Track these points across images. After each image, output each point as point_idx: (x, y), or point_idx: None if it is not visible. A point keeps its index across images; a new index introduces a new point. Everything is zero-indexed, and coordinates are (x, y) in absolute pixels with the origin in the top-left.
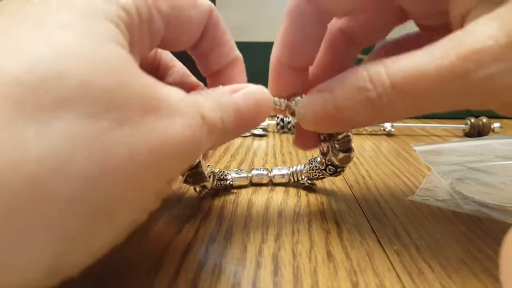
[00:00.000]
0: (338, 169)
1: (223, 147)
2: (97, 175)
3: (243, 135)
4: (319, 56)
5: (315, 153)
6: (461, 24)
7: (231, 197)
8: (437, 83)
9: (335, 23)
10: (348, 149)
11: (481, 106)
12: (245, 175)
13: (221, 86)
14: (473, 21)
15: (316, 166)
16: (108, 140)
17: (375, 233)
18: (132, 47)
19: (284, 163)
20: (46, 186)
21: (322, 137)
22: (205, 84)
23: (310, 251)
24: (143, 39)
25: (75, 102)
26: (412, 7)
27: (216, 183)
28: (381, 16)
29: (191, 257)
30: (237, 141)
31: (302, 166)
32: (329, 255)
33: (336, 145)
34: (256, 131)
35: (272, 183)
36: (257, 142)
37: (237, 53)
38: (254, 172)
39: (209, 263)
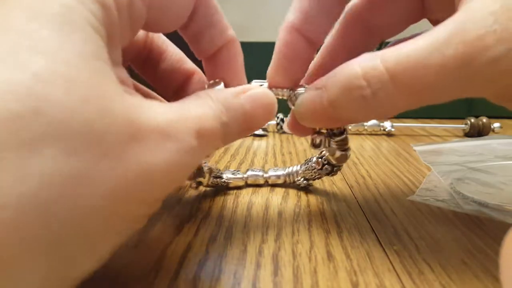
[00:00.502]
0: (335, 168)
1: (223, 147)
2: (80, 211)
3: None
4: (330, 41)
5: (315, 152)
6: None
7: (231, 197)
8: (441, 73)
9: (352, 8)
10: (345, 148)
11: (482, 93)
12: (240, 176)
13: (222, 86)
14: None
15: (312, 166)
16: (91, 174)
17: (375, 233)
18: (112, 42)
19: (284, 163)
20: (26, 232)
21: (316, 129)
22: (201, 68)
23: (310, 251)
24: (124, 27)
25: (55, 138)
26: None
27: (212, 180)
28: (400, 6)
29: (191, 257)
30: (237, 141)
31: (298, 166)
32: (329, 255)
33: (333, 144)
34: (256, 131)
35: (267, 184)
36: (257, 142)
37: (232, 33)
38: (249, 173)
39: (209, 263)
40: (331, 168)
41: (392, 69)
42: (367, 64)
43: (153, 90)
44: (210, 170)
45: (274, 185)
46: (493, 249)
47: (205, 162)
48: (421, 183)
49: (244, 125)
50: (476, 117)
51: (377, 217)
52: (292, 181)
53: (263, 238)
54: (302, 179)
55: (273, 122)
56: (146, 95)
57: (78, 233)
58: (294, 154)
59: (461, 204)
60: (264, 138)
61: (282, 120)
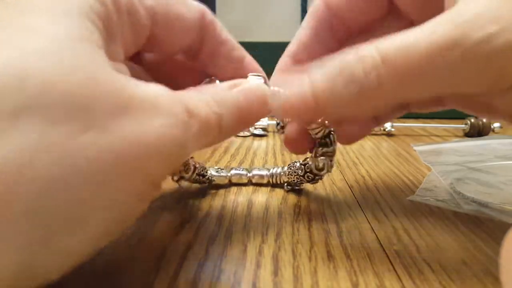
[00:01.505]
0: (316, 177)
1: (223, 146)
2: (60, 179)
3: (243, 134)
4: (302, 35)
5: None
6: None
7: (231, 197)
8: (431, 53)
9: (322, 6)
10: (330, 159)
11: (474, 81)
12: (224, 174)
13: (218, 82)
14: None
15: (295, 172)
16: (72, 145)
17: (375, 233)
18: (112, 39)
19: (284, 163)
20: (7, 190)
21: (318, 145)
22: None
23: (310, 251)
24: (125, 30)
25: (37, 109)
26: (406, 4)
27: (195, 176)
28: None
29: (191, 257)
30: (237, 141)
31: (282, 168)
32: (329, 255)
33: (319, 152)
34: (256, 131)
35: (251, 183)
36: (257, 142)
37: (244, 53)
38: (233, 171)
39: (209, 263)
40: (313, 176)
41: (385, 50)
42: (362, 48)
43: None
44: (195, 166)
45: (257, 185)
46: (493, 249)
47: (192, 157)
48: (421, 183)
49: (239, 118)
50: (476, 117)
51: (377, 217)
52: (275, 182)
53: (263, 238)
54: (286, 184)
55: (273, 122)
56: None
57: (61, 197)
58: (287, 154)
59: (461, 204)
60: (264, 138)
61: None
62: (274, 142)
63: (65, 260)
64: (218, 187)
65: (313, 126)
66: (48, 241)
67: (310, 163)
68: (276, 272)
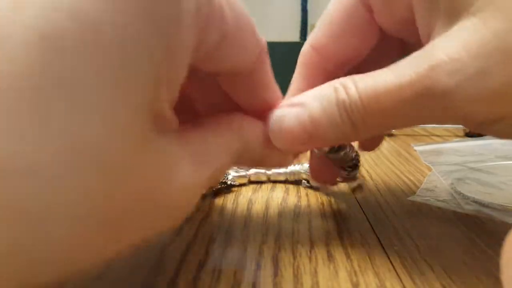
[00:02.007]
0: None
1: None
2: None
3: None
4: (296, 86)
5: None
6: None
7: (231, 197)
8: (400, 101)
9: (310, 50)
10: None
11: (446, 121)
12: (244, 173)
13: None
14: (433, 40)
15: None
16: (84, 244)
17: (375, 233)
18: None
19: None
20: None
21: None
22: None
23: (310, 251)
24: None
25: (58, 207)
26: (389, 27)
27: (218, 186)
28: (358, 38)
29: (191, 257)
30: None
31: (302, 165)
32: (329, 255)
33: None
34: None
35: (270, 181)
36: None
37: (277, 95)
38: (252, 170)
39: (209, 263)
40: (335, 183)
41: (361, 92)
42: (343, 81)
43: None
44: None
45: (276, 182)
46: (493, 249)
47: None
48: (421, 183)
49: (252, 165)
50: None
51: (378, 217)
52: (293, 179)
53: (263, 238)
54: (305, 181)
55: None
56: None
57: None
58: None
59: (462, 204)
60: None
61: None
62: None
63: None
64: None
65: (338, 155)
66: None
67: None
68: (276, 272)
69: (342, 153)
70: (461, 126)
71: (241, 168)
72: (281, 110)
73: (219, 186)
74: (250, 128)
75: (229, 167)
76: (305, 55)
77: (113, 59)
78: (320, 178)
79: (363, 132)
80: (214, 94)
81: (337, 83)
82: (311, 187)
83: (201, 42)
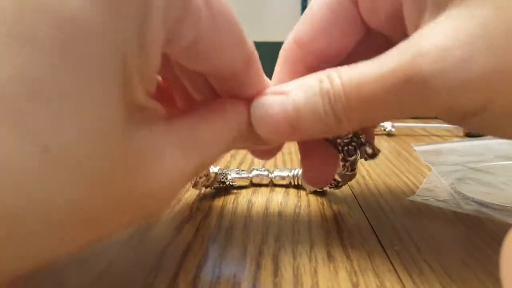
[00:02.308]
0: (340, 184)
1: None
2: None
3: None
4: (277, 80)
5: None
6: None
7: (231, 197)
8: (382, 90)
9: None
10: (353, 168)
11: (429, 112)
12: (245, 175)
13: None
14: (419, 30)
15: None
16: (59, 242)
17: (375, 233)
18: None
19: (284, 163)
20: None
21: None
22: None
23: (310, 252)
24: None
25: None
26: (374, 22)
27: (216, 184)
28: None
29: (191, 257)
30: None
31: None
32: (329, 255)
33: (341, 163)
34: None
35: (272, 184)
36: None
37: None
38: (254, 172)
39: (209, 263)
40: (336, 183)
41: (346, 83)
42: (329, 72)
43: None
44: (216, 174)
45: (278, 185)
46: (493, 249)
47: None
48: (421, 183)
49: (242, 147)
50: None
51: (377, 217)
52: (296, 183)
53: (263, 238)
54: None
55: None
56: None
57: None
58: (294, 153)
59: (462, 204)
60: None
61: None
62: None
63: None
64: (236, 188)
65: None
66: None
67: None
68: (276, 272)
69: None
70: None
71: (242, 170)
72: (264, 98)
73: (218, 185)
74: (244, 115)
75: (222, 154)
76: (288, 50)
77: (83, 57)
78: (313, 178)
79: (346, 124)
80: (207, 86)
81: (322, 74)
82: (315, 192)
83: (172, 38)
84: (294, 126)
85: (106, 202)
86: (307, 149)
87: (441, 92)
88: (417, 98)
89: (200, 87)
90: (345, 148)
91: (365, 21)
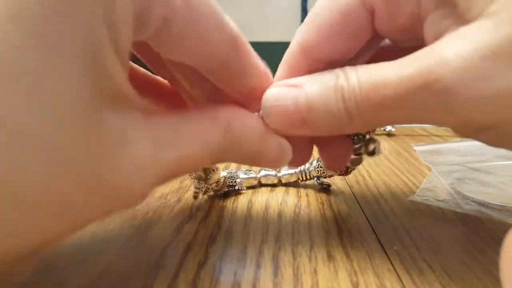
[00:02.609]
0: (349, 169)
1: None
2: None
3: None
4: (278, 76)
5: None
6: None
7: (231, 197)
8: (399, 93)
9: (300, 49)
10: (359, 152)
11: (443, 123)
12: (253, 175)
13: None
14: (441, 38)
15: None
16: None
17: (375, 233)
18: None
19: None
20: None
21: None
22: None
23: (310, 251)
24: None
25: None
26: (387, 30)
27: (225, 189)
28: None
29: (191, 257)
30: None
31: (310, 164)
32: (329, 255)
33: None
34: None
35: (281, 184)
36: None
37: (267, 78)
38: (262, 172)
39: (209, 263)
40: (345, 169)
41: (362, 82)
42: (347, 71)
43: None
44: (225, 178)
45: (287, 185)
46: (493, 249)
47: (217, 168)
48: (421, 183)
49: (245, 162)
50: None
51: (377, 217)
52: (305, 178)
53: (263, 238)
54: (316, 178)
55: None
56: (145, 82)
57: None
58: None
59: (462, 204)
60: None
61: None
62: None
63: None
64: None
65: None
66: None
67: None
68: (276, 272)
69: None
70: None
71: (250, 170)
72: (277, 89)
73: (226, 189)
74: (242, 123)
75: (207, 160)
76: (292, 54)
77: (45, 35)
78: (332, 162)
79: (358, 123)
80: (204, 84)
81: (339, 70)
82: (322, 188)
83: (143, 18)
84: (304, 119)
85: (74, 184)
86: (322, 141)
87: (458, 103)
88: (435, 106)
89: (198, 85)
90: (354, 137)
91: (377, 28)
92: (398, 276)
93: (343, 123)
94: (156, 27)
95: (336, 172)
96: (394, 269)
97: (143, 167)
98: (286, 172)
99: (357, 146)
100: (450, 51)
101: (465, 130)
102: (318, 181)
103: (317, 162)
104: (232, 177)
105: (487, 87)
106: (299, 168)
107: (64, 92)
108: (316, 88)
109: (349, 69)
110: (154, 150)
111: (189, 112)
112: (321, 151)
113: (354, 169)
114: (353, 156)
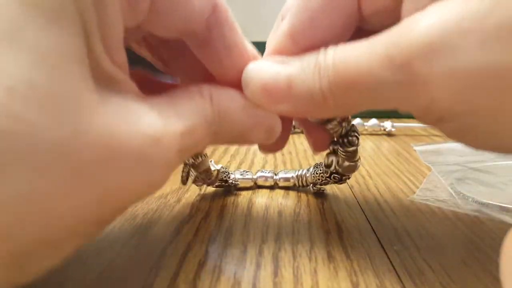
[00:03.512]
0: (344, 177)
1: (223, 146)
2: (45, 229)
3: None
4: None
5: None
6: None
7: (231, 197)
8: (367, 71)
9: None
10: (354, 160)
11: (409, 106)
12: (249, 176)
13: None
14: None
15: (320, 170)
16: (58, 195)
17: (375, 233)
18: (104, 22)
19: (284, 163)
20: None
21: (331, 148)
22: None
23: (310, 251)
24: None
25: (21, 160)
26: (373, 17)
27: (218, 182)
28: (336, 20)
29: (191, 257)
30: None
31: (307, 170)
32: (329, 255)
33: (342, 155)
34: None
35: (277, 186)
36: None
37: (247, 49)
38: (259, 174)
39: (209, 263)
40: (340, 177)
41: (336, 58)
42: (328, 47)
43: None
44: (218, 172)
45: (283, 188)
46: (493, 249)
47: (211, 160)
48: (421, 183)
49: (236, 139)
50: None
51: (377, 217)
52: (302, 184)
53: (263, 238)
54: (312, 184)
55: None
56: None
57: (41, 244)
58: (294, 154)
59: (462, 204)
60: None
61: None
62: None
63: (35, 275)
64: (232, 189)
65: (329, 126)
66: (21, 271)
67: (335, 165)
68: (276, 272)
69: (330, 125)
70: None
71: (247, 171)
72: (259, 63)
73: (220, 184)
74: (223, 96)
75: (206, 133)
76: (280, 41)
77: (41, 9)
78: (317, 144)
79: (331, 104)
80: (191, 66)
81: (322, 49)
82: (318, 192)
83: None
84: (284, 94)
85: (86, 147)
86: (307, 122)
87: (425, 79)
88: (398, 85)
89: (187, 69)
90: (345, 139)
91: (363, 11)
92: (398, 276)
93: (318, 101)
94: (146, 7)
95: (331, 180)
96: (394, 269)
97: (158, 138)
98: (283, 175)
99: (351, 149)
100: (416, 27)
101: (428, 118)
102: (314, 187)
103: (314, 168)
104: (225, 172)
105: (454, 65)
106: (296, 173)
107: (57, 50)
108: (298, 64)
109: (330, 48)
110: (163, 122)
111: (176, 91)
112: (306, 132)
113: (349, 177)
114: (346, 163)
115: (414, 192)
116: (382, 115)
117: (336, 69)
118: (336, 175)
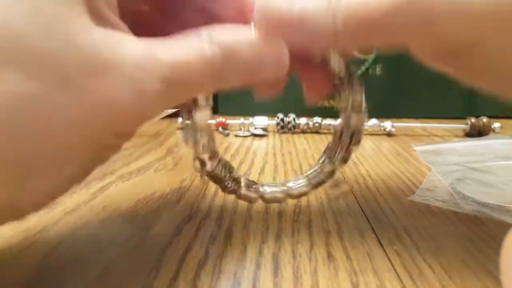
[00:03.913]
0: (353, 139)
1: (223, 146)
2: (40, 136)
3: (243, 134)
4: None
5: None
6: None
7: (231, 197)
8: (385, 10)
9: None
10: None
11: (420, 42)
12: (254, 187)
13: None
14: None
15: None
16: (48, 101)
17: (375, 233)
18: None
19: (284, 163)
20: None
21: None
22: None
23: (310, 251)
24: None
25: (15, 64)
26: None
27: (221, 170)
28: None
29: (191, 257)
30: (237, 141)
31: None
32: (329, 255)
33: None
34: (256, 131)
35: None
36: (257, 142)
37: None
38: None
39: (209, 263)
40: (349, 140)
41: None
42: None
43: None
44: (220, 158)
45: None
46: (493, 249)
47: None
48: (421, 183)
49: (245, 77)
50: (477, 117)
51: (377, 217)
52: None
53: (263, 238)
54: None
55: (273, 122)
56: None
57: (41, 153)
58: (294, 154)
59: (462, 204)
60: (264, 138)
61: (282, 120)
62: (274, 142)
63: (40, 199)
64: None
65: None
66: (23, 185)
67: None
68: (276, 272)
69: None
70: (461, 126)
71: (253, 183)
72: None
73: (219, 173)
74: (227, 35)
75: (205, 74)
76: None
77: None
78: (312, 92)
79: (342, 37)
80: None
81: None
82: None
83: None
84: (294, 24)
85: (73, 60)
86: (304, 70)
87: (439, 16)
88: (416, 22)
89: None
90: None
91: None
92: (398, 276)
93: (329, 34)
94: None
95: (343, 144)
96: (394, 269)
97: (143, 64)
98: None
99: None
100: None
101: (443, 52)
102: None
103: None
104: (231, 170)
105: (468, 2)
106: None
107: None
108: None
109: None
110: (149, 50)
111: (173, 35)
112: (304, 76)
113: (359, 139)
114: (354, 117)
115: (414, 192)
116: (382, 115)
117: (349, 5)
118: (346, 137)
